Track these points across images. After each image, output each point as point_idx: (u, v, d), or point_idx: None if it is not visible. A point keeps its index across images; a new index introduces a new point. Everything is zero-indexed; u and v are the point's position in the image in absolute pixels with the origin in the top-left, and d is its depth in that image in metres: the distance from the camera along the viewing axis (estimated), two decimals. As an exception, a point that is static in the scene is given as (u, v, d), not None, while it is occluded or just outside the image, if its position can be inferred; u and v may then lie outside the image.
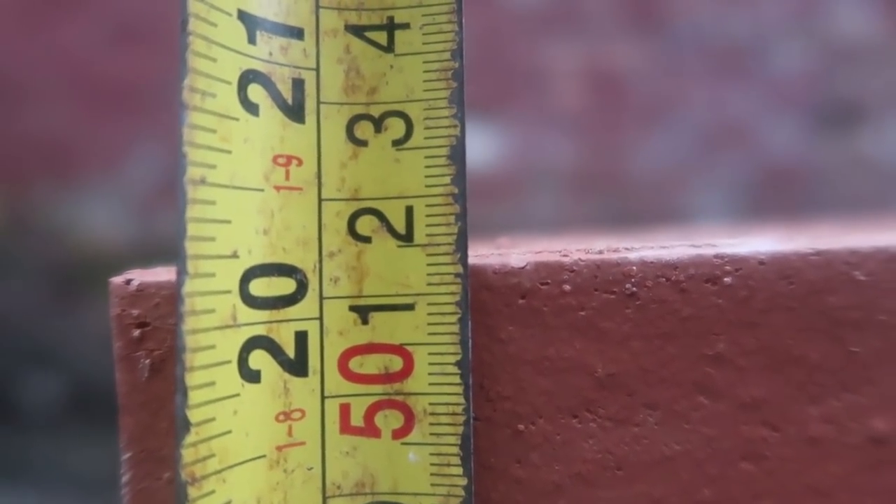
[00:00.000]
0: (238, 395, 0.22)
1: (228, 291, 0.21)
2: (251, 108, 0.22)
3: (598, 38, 1.38)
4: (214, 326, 0.21)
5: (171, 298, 0.25)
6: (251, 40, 0.23)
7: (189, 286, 0.20)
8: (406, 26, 0.25)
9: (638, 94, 1.38)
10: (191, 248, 0.20)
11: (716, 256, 0.24)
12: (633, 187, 1.37)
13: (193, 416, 0.20)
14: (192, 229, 0.20)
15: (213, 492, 0.20)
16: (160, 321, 0.25)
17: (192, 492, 0.20)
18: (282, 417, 0.23)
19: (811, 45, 1.38)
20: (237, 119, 0.22)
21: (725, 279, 0.24)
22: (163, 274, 0.25)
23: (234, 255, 0.22)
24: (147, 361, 0.24)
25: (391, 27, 0.25)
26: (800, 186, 1.38)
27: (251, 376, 0.22)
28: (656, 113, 1.39)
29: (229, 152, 0.22)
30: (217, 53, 0.21)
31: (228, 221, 0.21)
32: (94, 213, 1.34)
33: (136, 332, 0.24)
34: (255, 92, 0.23)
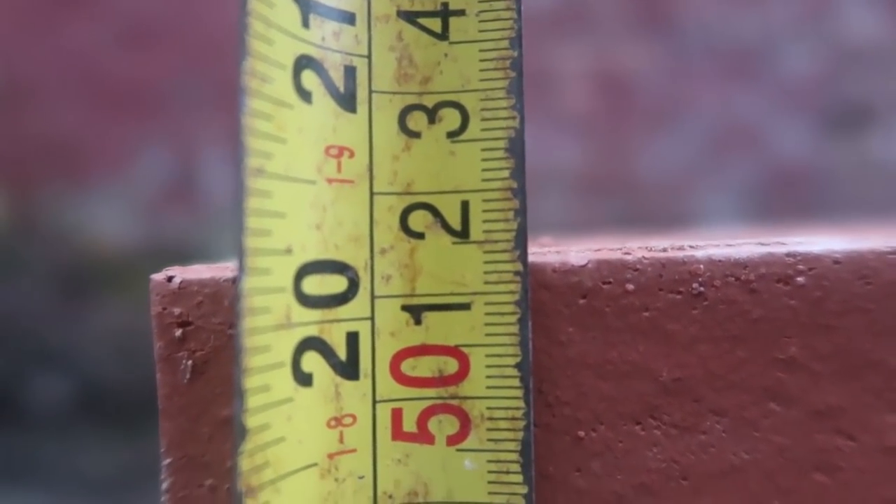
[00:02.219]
0: (292, 399, 0.20)
1: (283, 289, 0.20)
2: (305, 95, 0.21)
3: (608, 40, 1.37)
4: (270, 326, 0.20)
5: (214, 296, 0.23)
6: (305, 24, 0.21)
7: (248, 283, 0.19)
8: (461, 13, 0.24)
9: (647, 96, 1.38)
10: (249, 242, 0.19)
11: (788, 255, 0.23)
12: (642, 189, 1.36)
13: (250, 421, 0.19)
14: (251, 222, 0.19)
15: (267, 503, 0.19)
16: (203, 320, 0.23)
17: (249, 503, 0.18)
18: (333, 423, 0.22)
19: (820, 48, 1.38)
20: (292, 107, 0.21)
21: (798, 279, 0.23)
22: (204, 271, 0.24)
23: (289, 251, 0.20)
24: (189, 363, 0.23)
25: (445, 13, 0.24)
26: (809, 189, 1.37)
27: (304, 380, 0.21)
28: (665, 115, 1.38)
29: (285, 141, 0.20)
30: (274, 36, 0.20)
31: (284, 215, 0.20)
32: (102, 214, 1.33)
33: (178, 332, 0.23)
34: (309, 78, 0.21)
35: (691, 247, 0.24)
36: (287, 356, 0.20)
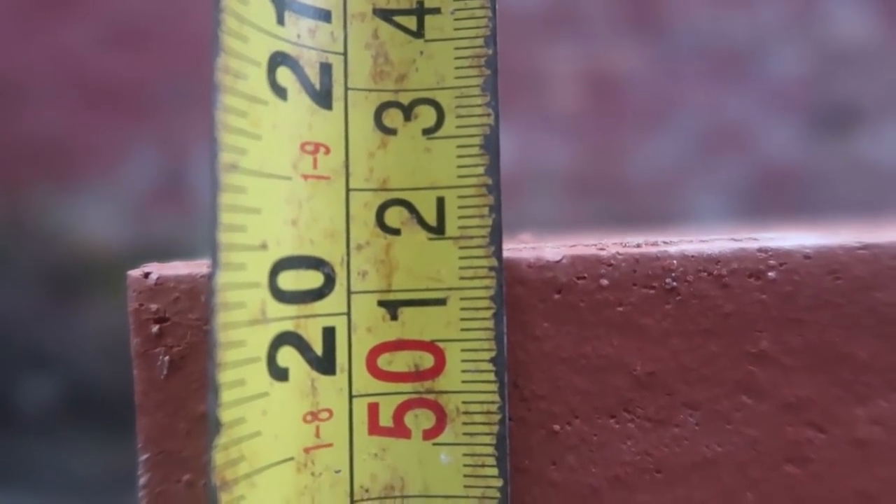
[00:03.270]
0: (267, 394, 0.20)
1: (258, 284, 0.20)
2: (280, 92, 0.21)
3: (597, 40, 1.37)
4: (244, 321, 0.20)
5: (191, 292, 0.23)
6: (280, 20, 0.22)
7: (222, 277, 0.19)
8: (437, 11, 0.24)
9: (636, 96, 1.38)
10: (223, 237, 0.19)
11: (759, 250, 0.24)
12: (632, 190, 1.37)
13: (225, 416, 0.19)
14: (224, 217, 0.19)
15: (242, 497, 0.19)
16: (180, 316, 0.23)
17: (224, 497, 0.19)
18: (309, 418, 0.22)
19: (809, 49, 1.38)
20: (266, 103, 0.21)
21: (769, 274, 0.23)
22: (181, 267, 0.24)
23: (264, 247, 0.21)
24: (166, 358, 0.23)
25: (421, 12, 0.24)
26: (797, 189, 1.38)
27: (280, 374, 0.21)
28: (654, 116, 1.38)
29: (259, 138, 0.20)
30: (248, 32, 0.20)
31: (258, 211, 0.20)
32: (91, 215, 1.33)
33: (155, 328, 0.23)
34: (284, 75, 0.22)
35: (665, 242, 0.24)
36: (262, 351, 0.21)
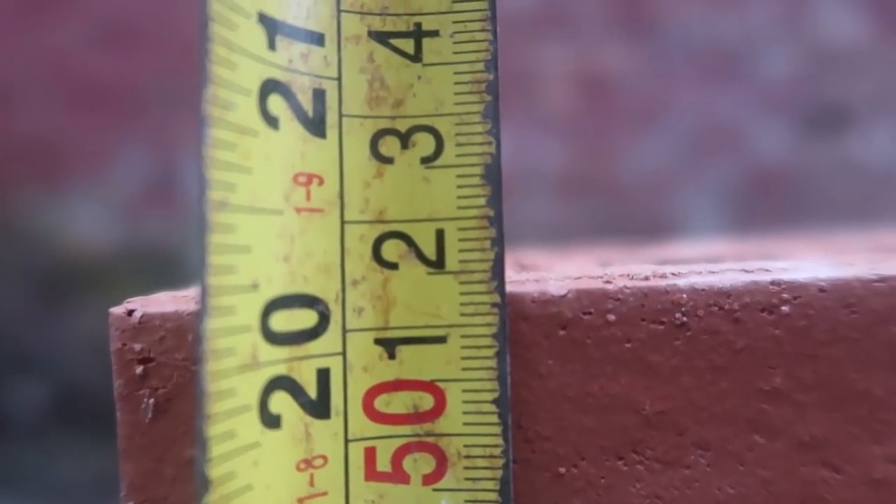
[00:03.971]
0: (259, 444, 0.19)
1: (249, 328, 0.19)
2: (271, 121, 0.20)
3: (589, 41, 1.37)
4: (235, 368, 0.19)
5: (177, 331, 0.22)
6: (271, 45, 0.20)
7: (211, 323, 0.18)
8: (435, 34, 0.23)
9: (627, 97, 1.37)
10: (212, 280, 0.18)
11: (772, 283, 0.23)
12: (623, 190, 1.36)
13: (214, 471, 0.18)
14: (213, 259, 0.18)
15: (233, 556, 0.18)
16: (165, 356, 0.22)
17: (212, 559, 0.17)
18: (303, 465, 0.21)
19: (799, 50, 1.38)
20: (257, 134, 0.20)
21: (783, 308, 0.23)
22: (167, 302, 0.23)
23: (255, 287, 0.19)
24: (151, 401, 0.22)
25: (419, 34, 0.23)
26: (788, 190, 1.38)
27: (272, 422, 0.20)
28: (646, 116, 1.38)
29: (249, 171, 0.19)
30: (238, 60, 0.19)
31: (249, 249, 0.19)
32: (80, 217, 1.31)
33: (139, 369, 0.22)
34: (275, 103, 0.20)
35: (673, 274, 0.23)
36: (253, 398, 0.19)
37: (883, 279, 0.22)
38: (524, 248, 0.49)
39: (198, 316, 0.18)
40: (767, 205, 1.34)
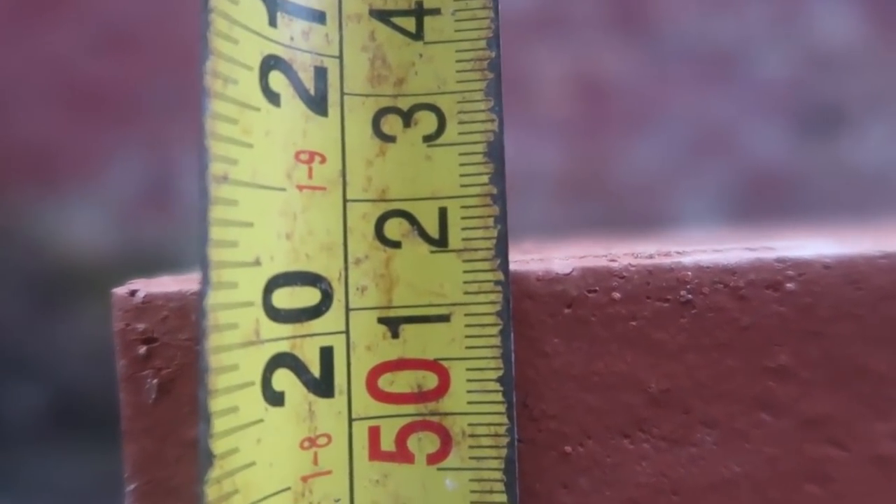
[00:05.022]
0: (262, 420, 0.19)
1: (251, 303, 0.19)
2: (273, 97, 0.20)
3: (585, 44, 1.37)
4: (237, 343, 0.18)
5: (180, 311, 0.22)
6: (272, 22, 0.20)
7: (213, 298, 0.18)
8: (436, 12, 0.23)
9: (625, 99, 1.38)
10: (214, 254, 0.18)
11: (777, 260, 0.23)
12: (621, 192, 1.36)
13: (217, 446, 0.17)
14: (215, 233, 0.18)
15: (237, 532, 0.18)
16: (169, 336, 0.22)
17: (217, 534, 0.17)
18: (307, 444, 0.21)
19: (794, 52, 1.38)
20: (259, 109, 0.20)
21: (788, 285, 0.22)
22: (170, 284, 0.23)
23: (257, 263, 0.19)
24: (154, 381, 0.22)
25: (420, 13, 0.23)
26: (784, 191, 1.38)
27: (275, 399, 0.20)
28: (643, 119, 1.38)
29: (251, 146, 0.19)
30: (238, 35, 0.19)
31: (251, 224, 0.19)
32: (76, 220, 1.30)
33: (143, 349, 0.22)
34: (277, 80, 0.20)
35: (678, 253, 0.23)
36: (256, 375, 0.19)
37: (887, 256, 0.22)
38: (522, 244, 0.49)
39: (200, 290, 0.18)
40: (764, 206, 1.34)
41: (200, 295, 0.18)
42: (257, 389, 0.19)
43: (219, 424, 0.18)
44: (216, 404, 0.18)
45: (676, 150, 1.37)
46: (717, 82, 1.37)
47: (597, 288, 0.23)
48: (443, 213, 0.22)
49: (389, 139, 0.22)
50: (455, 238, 0.22)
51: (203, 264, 0.18)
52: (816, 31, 1.38)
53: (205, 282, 0.18)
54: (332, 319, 0.21)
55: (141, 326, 0.22)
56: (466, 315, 0.22)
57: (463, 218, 0.22)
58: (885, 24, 1.39)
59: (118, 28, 1.31)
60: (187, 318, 0.22)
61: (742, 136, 1.38)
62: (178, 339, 0.22)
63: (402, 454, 0.22)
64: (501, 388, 0.21)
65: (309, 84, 0.21)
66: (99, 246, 1.30)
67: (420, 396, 0.22)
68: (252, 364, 0.19)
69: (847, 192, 1.36)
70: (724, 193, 1.38)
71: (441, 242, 0.22)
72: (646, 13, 1.38)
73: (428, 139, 0.22)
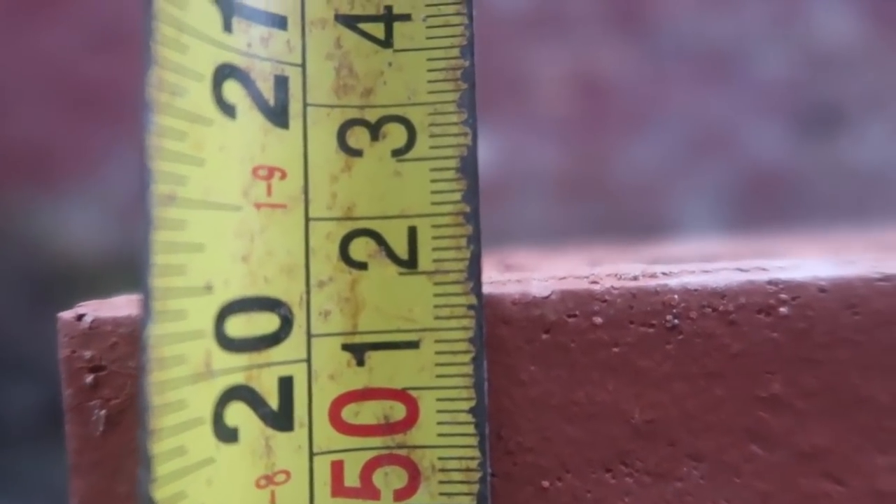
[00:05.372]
0: (213, 460, 0.18)
1: (201, 334, 0.18)
2: (227, 109, 0.19)
3: (584, 43, 1.35)
4: (185, 378, 0.17)
5: (130, 337, 0.21)
6: (227, 27, 0.19)
7: (156, 329, 0.16)
8: (407, 17, 0.21)
9: (623, 99, 1.36)
10: (157, 282, 0.16)
11: (769, 283, 0.21)
12: (619, 193, 1.35)
13: (160, 492, 0.16)
14: (160, 258, 0.16)
15: (181, 584, 0.17)
16: (118, 364, 0.21)
17: (156, 589, 0.16)
18: (263, 482, 0.19)
19: (793, 51, 1.37)
20: (211, 122, 0.18)
21: (781, 309, 0.21)
22: (122, 306, 0.22)
23: (208, 289, 0.18)
24: (102, 413, 0.21)
25: (389, 18, 0.21)
26: (783, 191, 1.37)
27: (228, 435, 0.18)
28: (641, 118, 1.37)
29: (202, 163, 0.18)
30: (188, 41, 0.17)
31: (201, 248, 0.18)
32: (74, 220, 1.29)
33: (90, 378, 0.21)
34: (232, 90, 0.19)
35: (664, 274, 0.22)
36: (207, 410, 0.18)
37: (887, 278, 0.21)
38: (517, 249, 0.48)
39: (140, 321, 0.16)
40: (763, 206, 1.33)
41: (141, 326, 0.16)
42: (207, 427, 0.18)
43: (162, 468, 0.16)
44: (160, 446, 0.16)
45: (675, 149, 1.35)
46: (716, 82, 1.36)
47: (577, 312, 0.21)
48: (412, 232, 0.21)
49: (356, 153, 0.21)
50: (425, 259, 0.21)
51: (145, 293, 0.16)
52: (815, 31, 1.37)
53: (146, 312, 0.16)
54: (292, 347, 0.20)
55: (88, 354, 0.21)
56: (437, 341, 0.20)
57: (434, 238, 0.21)
58: (885, 24, 1.38)
59: (116, 27, 1.30)
60: (138, 344, 0.21)
61: (741, 136, 1.36)
62: (127, 368, 0.21)
63: (367, 490, 0.20)
64: (474, 420, 0.20)
65: (268, 94, 0.20)
66: (96, 244, 1.29)
67: (387, 428, 0.21)
68: (202, 399, 0.18)
69: (846, 192, 1.35)
70: (722, 193, 1.36)
71: (410, 264, 0.21)
72: (645, 13, 1.36)
73: (397, 153, 0.21)
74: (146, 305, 0.16)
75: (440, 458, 0.20)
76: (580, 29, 1.35)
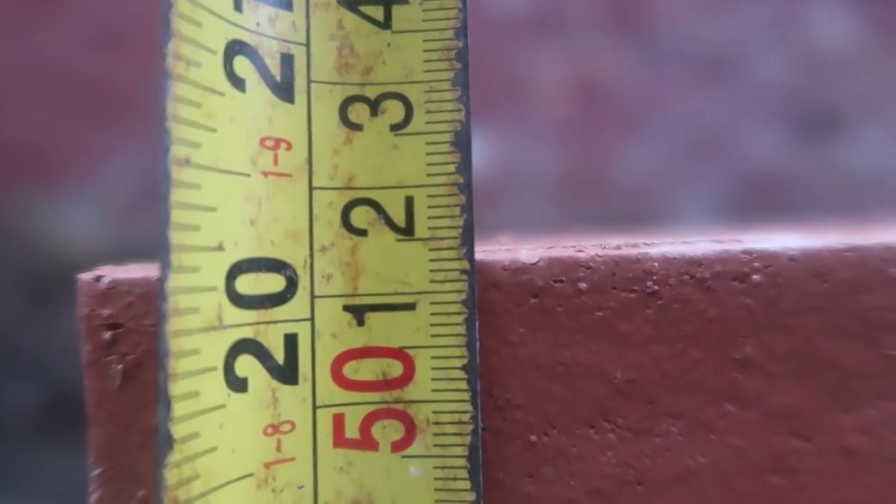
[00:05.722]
0: (224, 406, 0.19)
1: (214, 288, 0.19)
2: (237, 82, 0.20)
3: (582, 45, 1.37)
4: (199, 328, 0.18)
5: (145, 297, 0.22)
6: (237, 7, 0.20)
7: (173, 281, 0.18)
8: (405, 1, 0.23)
9: (621, 101, 1.38)
10: (175, 237, 0.18)
11: (743, 252, 0.23)
12: (617, 195, 1.36)
13: (177, 430, 0.17)
14: (176, 216, 0.18)
15: (194, 515, 0.18)
16: (134, 322, 0.22)
17: (172, 517, 0.17)
18: (270, 430, 0.21)
19: (791, 55, 1.39)
20: (223, 94, 0.20)
21: (754, 277, 0.22)
22: (136, 270, 0.23)
23: (220, 248, 0.19)
24: (119, 367, 0.22)
25: (388, 1, 0.23)
26: (781, 194, 1.38)
27: (238, 385, 0.20)
28: (640, 121, 1.38)
29: (214, 131, 0.19)
30: (202, 17, 0.19)
31: (214, 209, 0.19)
32: (72, 218, 1.30)
33: (108, 335, 0.22)
34: (242, 65, 0.20)
35: (646, 244, 0.23)
36: (219, 360, 0.19)
37: (852, 249, 0.22)
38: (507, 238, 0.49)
39: (160, 273, 0.18)
40: (760, 208, 1.34)
41: (161, 278, 0.18)
42: (219, 375, 0.19)
43: (179, 409, 0.18)
44: (176, 388, 0.18)
45: (673, 152, 1.37)
46: (714, 85, 1.37)
47: (563, 278, 0.23)
48: (409, 201, 0.22)
49: (356, 127, 0.22)
50: (421, 227, 0.22)
51: (164, 247, 0.18)
52: (813, 35, 1.38)
53: (165, 265, 0.18)
54: (296, 306, 0.21)
55: (106, 312, 0.22)
56: (432, 304, 0.22)
57: (429, 207, 0.22)
58: (882, 28, 1.40)
59: (115, 27, 1.31)
60: (153, 304, 0.22)
61: (739, 139, 1.38)
62: (143, 325, 0.22)
63: (366, 441, 0.22)
64: (466, 377, 0.22)
65: (275, 70, 0.21)
66: (94, 243, 1.30)
67: (385, 384, 0.22)
68: (214, 349, 0.19)
69: (843, 195, 1.36)
70: (720, 196, 1.38)
71: (407, 231, 0.22)
72: (643, 15, 1.38)
73: (395, 128, 0.22)
74: (165, 258, 0.18)
75: (434, 412, 0.22)
76: (579, 31, 1.36)
